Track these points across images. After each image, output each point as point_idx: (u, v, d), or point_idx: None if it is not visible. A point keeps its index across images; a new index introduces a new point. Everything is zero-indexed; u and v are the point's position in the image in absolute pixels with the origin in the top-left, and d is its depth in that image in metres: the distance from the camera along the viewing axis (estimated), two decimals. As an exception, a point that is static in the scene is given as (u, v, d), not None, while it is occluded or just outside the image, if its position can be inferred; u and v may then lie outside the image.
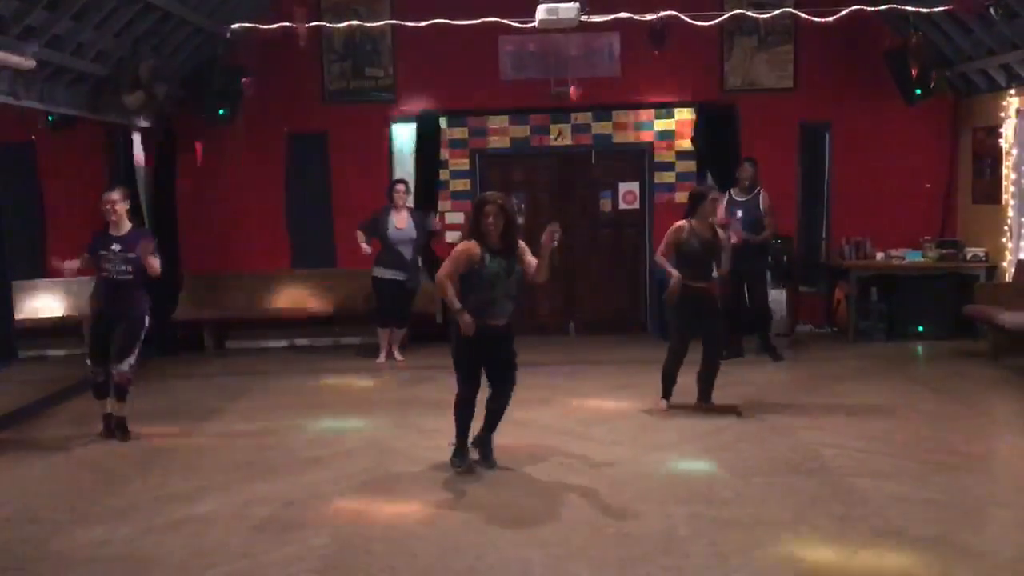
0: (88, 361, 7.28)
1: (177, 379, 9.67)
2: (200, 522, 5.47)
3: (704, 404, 7.64)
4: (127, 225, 7.22)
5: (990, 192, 10.38)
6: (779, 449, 6.61)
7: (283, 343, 11.32)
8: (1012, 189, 10.02)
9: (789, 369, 9.65)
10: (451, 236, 11.33)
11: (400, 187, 10.09)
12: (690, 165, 11.32)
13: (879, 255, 10.85)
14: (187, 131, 10.94)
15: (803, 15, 9.59)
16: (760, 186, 9.89)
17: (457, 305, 6.04)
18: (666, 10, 9.06)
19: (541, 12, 8.52)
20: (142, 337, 7.28)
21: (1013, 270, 9.97)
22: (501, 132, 11.37)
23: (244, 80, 10.19)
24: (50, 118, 9.68)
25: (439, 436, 7.19)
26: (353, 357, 10.44)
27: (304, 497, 5.87)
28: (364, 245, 9.88)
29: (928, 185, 11.12)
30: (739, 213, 9.62)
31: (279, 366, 10.20)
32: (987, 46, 9.72)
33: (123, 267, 7.10)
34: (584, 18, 8.71)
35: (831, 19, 9.23)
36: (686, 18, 9.16)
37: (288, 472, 6.39)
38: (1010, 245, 10.10)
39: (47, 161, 11.15)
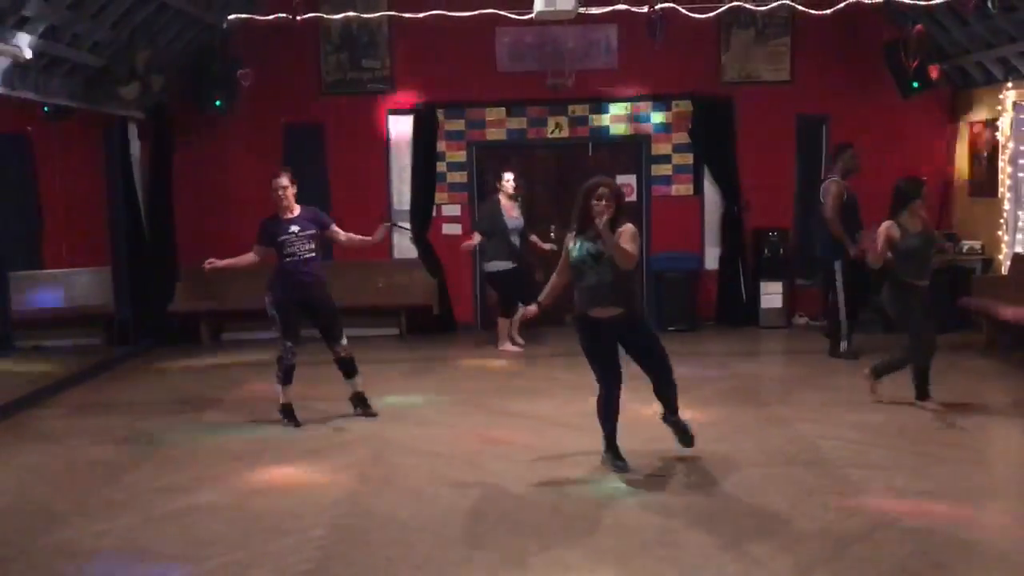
0: (287, 343, 7.37)
1: (173, 371, 9.68)
2: (198, 513, 5.48)
3: (921, 401, 7.35)
4: (296, 207, 7.31)
5: (986, 185, 10.39)
6: (776, 441, 6.63)
7: (278, 335, 11.27)
8: (1008, 182, 10.03)
9: (786, 362, 9.69)
10: (448, 228, 11.37)
11: (509, 176, 10.04)
12: (687, 158, 11.33)
13: (875, 248, 10.85)
14: (183, 122, 10.91)
15: (800, 8, 9.58)
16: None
17: (539, 298, 6.10)
18: (664, 2, 9.05)
19: (539, 4, 8.50)
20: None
21: (1009, 263, 9.99)
22: (498, 124, 11.36)
23: (240, 71, 10.17)
24: (46, 109, 9.66)
25: (436, 427, 7.22)
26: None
27: (302, 487, 5.88)
28: (476, 239, 9.96)
29: (924, 178, 11.10)
30: None
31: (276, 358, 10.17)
32: (984, 39, 9.73)
33: (308, 246, 7.27)
34: (582, 10, 8.69)
35: (828, 12, 9.21)
36: (683, 10, 9.14)
37: (286, 463, 6.40)
38: (1006, 238, 10.11)
39: (43, 152, 11.12)
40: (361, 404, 7.56)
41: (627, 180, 11.41)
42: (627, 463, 6.03)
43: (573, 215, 6.02)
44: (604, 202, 5.78)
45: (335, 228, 7.54)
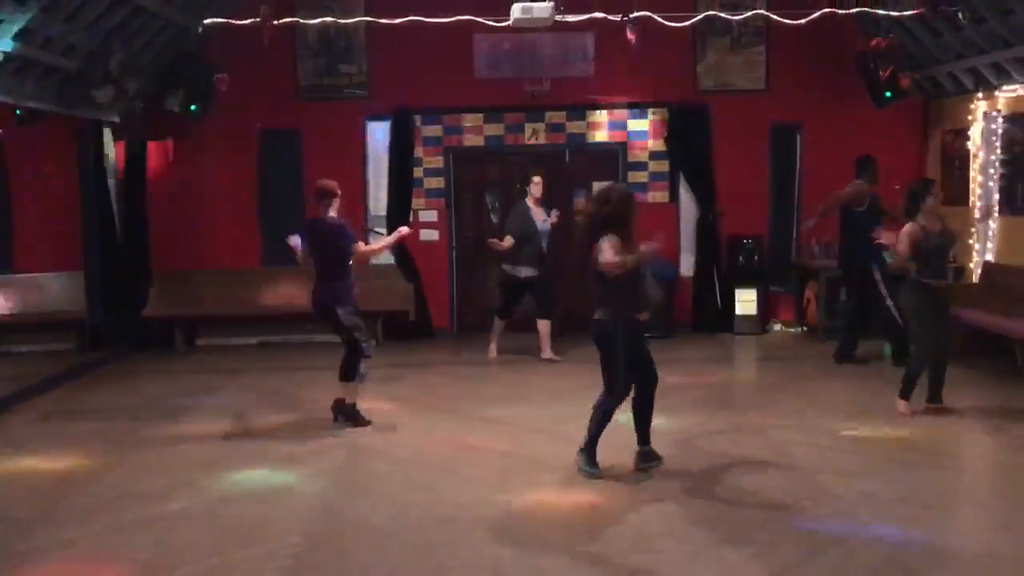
0: (372, 342, 7.50)
1: (147, 376, 9.60)
2: (169, 520, 5.44)
3: (934, 405, 7.41)
4: (333, 215, 7.35)
5: (957, 194, 10.51)
6: (749, 447, 6.67)
7: (254, 340, 11.26)
8: (979, 191, 10.16)
9: (760, 369, 9.75)
10: (425, 234, 11.36)
11: (538, 179, 9.78)
12: (663, 165, 11.40)
13: (849, 255, 10.95)
14: (158, 126, 10.84)
15: (775, 17, 9.67)
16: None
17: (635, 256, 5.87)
18: (640, 10, 9.10)
19: (516, 11, 8.52)
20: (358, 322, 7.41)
21: (979, 271, 10.11)
22: (475, 130, 11.37)
23: (216, 76, 10.11)
24: (18, 112, 9.57)
25: (412, 433, 7.20)
26: (324, 354, 10.40)
27: (276, 495, 5.85)
28: (508, 242, 9.70)
29: (897, 187, 11.21)
30: None
31: (250, 364, 10.14)
32: (955, 50, 9.85)
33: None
34: (558, 17, 8.72)
35: (803, 21, 9.31)
36: (659, 18, 9.19)
37: (260, 469, 6.36)
38: (977, 247, 10.23)
39: (15, 155, 11.02)
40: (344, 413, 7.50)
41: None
42: (600, 471, 6.06)
43: (611, 218, 5.96)
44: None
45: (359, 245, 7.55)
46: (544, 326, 9.94)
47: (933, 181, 7.81)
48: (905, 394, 7.41)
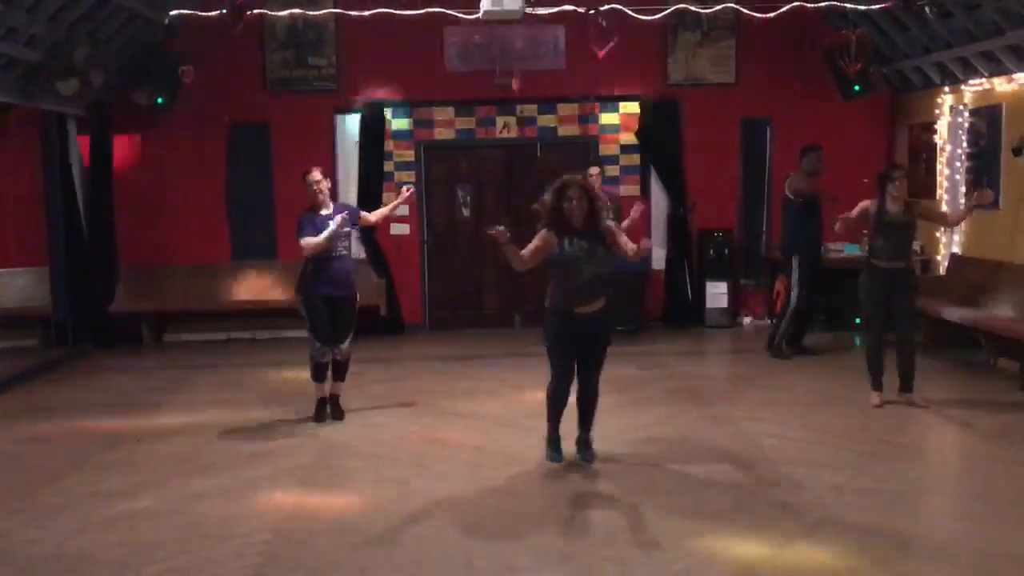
0: (317, 344, 7.20)
1: (114, 372, 9.49)
2: (137, 518, 5.38)
3: (902, 395, 7.43)
4: (330, 202, 7.23)
5: (925, 187, 10.61)
6: (720, 439, 6.70)
7: (223, 336, 11.16)
8: (946, 184, 10.26)
9: (731, 361, 9.79)
10: (396, 228, 11.31)
11: (595, 170, 9.49)
12: (634, 158, 11.41)
13: (818, 248, 11.03)
14: (124, 119, 10.70)
15: (745, 11, 9.70)
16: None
17: (505, 244, 5.76)
18: (610, 4, 9.11)
19: (486, 4, 8.49)
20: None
21: (947, 263, 10.22)
22: (447, 124, 11.32)
23: (183, 68, 9.99)
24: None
25: (382, 430, 7.18)
26: (293, 349, 10.32)
27: (245, 492, 5.80)
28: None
29: (866, 180, 11.29)
30: None
31: (219, 359, 10.05)
32: (922, 44, 9.94)
33: (343, 243, 7.17)
34: (529, 10, 8.69)
35: (772, 15, 9.35)
36: (630, 12, 9.20)
37: (228, 467, 6.30)
38: (944, 239, 10.34)
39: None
40: (336, 408, 7.47)
41: (575, 180, 11.49)
42: (562, 455, 6.16)
43: (546, 212, 6.02)
44: (575, 202, 5.86)
45: (365, 214, 7.52)
46: None
47: (900, 166, 7.90)
48: (874, 385, 7.50)
